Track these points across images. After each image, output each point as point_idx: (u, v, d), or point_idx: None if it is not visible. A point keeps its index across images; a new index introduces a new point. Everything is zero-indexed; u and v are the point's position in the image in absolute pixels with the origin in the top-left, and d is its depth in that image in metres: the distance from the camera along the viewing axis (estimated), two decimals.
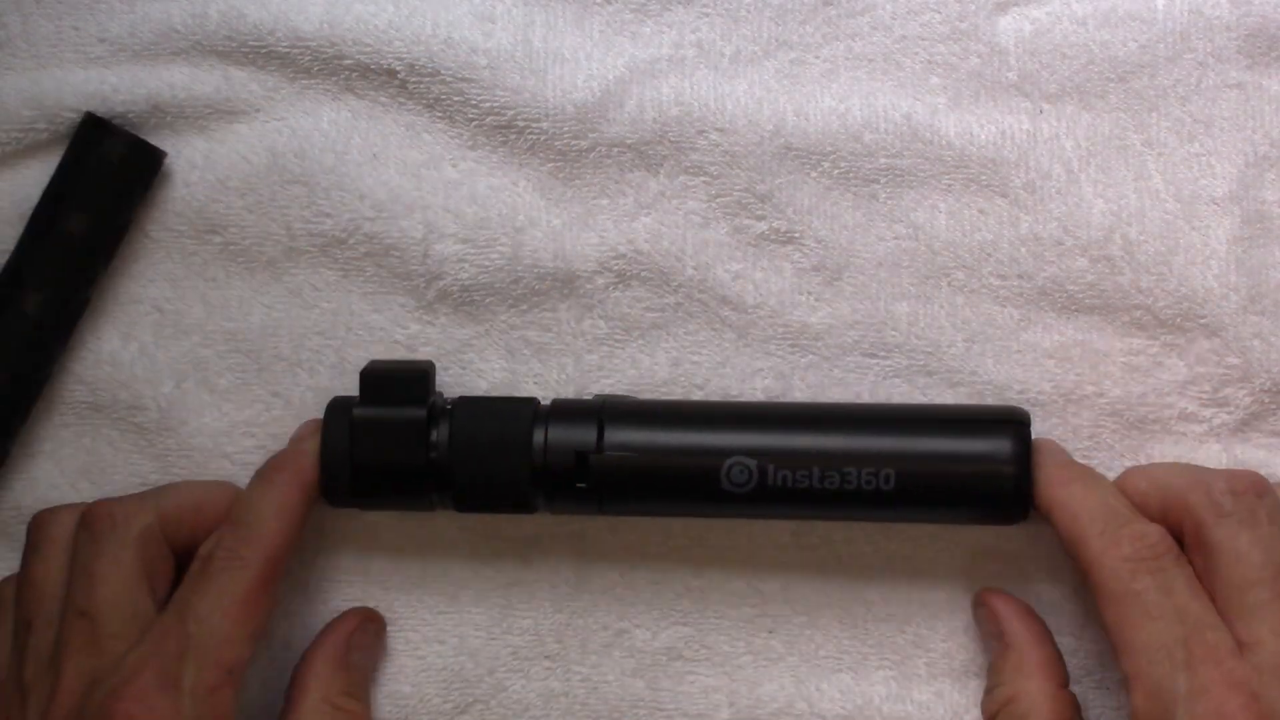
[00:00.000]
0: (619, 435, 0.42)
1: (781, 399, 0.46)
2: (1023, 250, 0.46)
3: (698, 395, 0.46)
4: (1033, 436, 0.42)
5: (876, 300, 0.46)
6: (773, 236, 0.46)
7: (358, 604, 0.46)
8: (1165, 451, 0.45)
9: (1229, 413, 0.45)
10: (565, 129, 0.47)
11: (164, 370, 0.47)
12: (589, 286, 0.47)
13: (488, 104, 0.47)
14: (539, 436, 0.42)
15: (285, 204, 0.47)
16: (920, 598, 0.45)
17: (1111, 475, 0.45)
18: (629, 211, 0.47)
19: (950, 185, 0.46)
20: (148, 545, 0.41)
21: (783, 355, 0.46)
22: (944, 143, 0.46)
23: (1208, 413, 0.45)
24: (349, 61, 0.47)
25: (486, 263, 0.46)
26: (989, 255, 0.46)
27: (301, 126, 0.47)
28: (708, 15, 0.48)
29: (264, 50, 0.47)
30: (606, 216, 0.47)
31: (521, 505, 0.43)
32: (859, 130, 0.46)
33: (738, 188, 0.46)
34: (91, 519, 0.42)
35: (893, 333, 0.46)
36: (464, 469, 0.42)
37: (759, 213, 0.46)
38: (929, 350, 0.46)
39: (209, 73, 0.47)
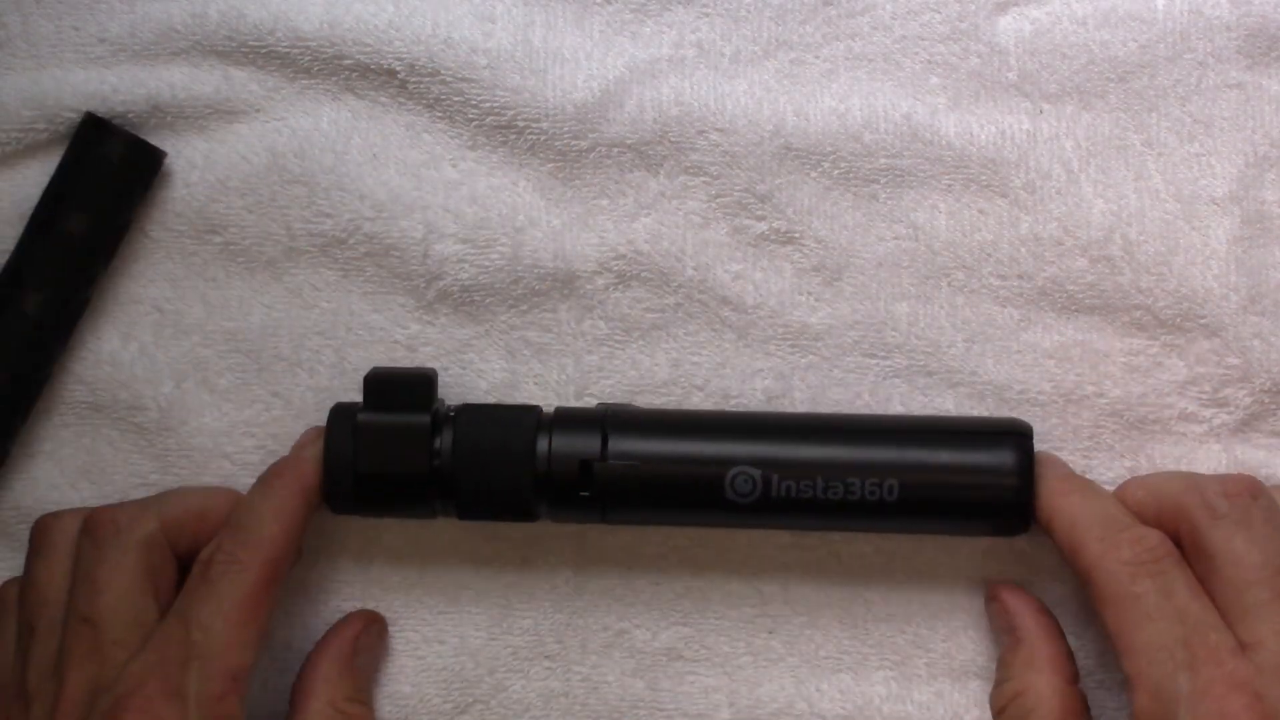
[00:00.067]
0: (623, 445, 0.42)
1: (781, 399, 0.46)
2: (1023, 250, 0.46)
3: (698, 396, 0.46)
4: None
5: (876, 300, 0.46)
6: (773, 236, 0.46)
7: (358, 605, 0.46)
8: (1165, 452, 0.45)
9: (1229, 413, 0.45)
10: (565, 129, 0.47)
11: (164, 370, 0.47)
12: (589, 287, 0.47)
13: (488, 104, 0.47)
14: (543, 445, 0.42)
15: (285, 204, 0.47)
16: (920, 598, 0.45)
17: (1112, 475, 0.45)
18: (629, 211, 0.47)
19: (950, 185, 0.46)
20: (150, 551, 0.41)
21: (783, 355, 0.46)
22: (944, 143, 0.46)
23: (1208, 413, 0.45)
24: (349, 61, 0.47)
25: (486, 263, 0.46)
26: (989, 255, 0.46)
27: (301, 126, 0.47)
28: (708, 15, 0.48)
29: (264, 50, 0.47)
30: (606, 216, 0.47)
31: (524, 513, 0.43)
32: (859, 130, 0.46)
33: (738, 188, 0.46)
34: (94, 525, 0.42)
35: (893, 333, 0.46)
36: (467, 476, 0.42)
37: (759, 213, 0.46)
38: (929, 350, 0.46)
39: (209, 73, 0.47)
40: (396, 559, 0.46)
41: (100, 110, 0.47)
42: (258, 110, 0.47)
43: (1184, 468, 0.45)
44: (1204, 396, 0.45)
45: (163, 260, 0.47)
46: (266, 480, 0.43)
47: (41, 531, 0.43)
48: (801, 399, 0.46)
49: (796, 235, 0.46)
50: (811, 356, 0.46)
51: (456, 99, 0.47)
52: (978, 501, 0.42)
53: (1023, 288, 0.46)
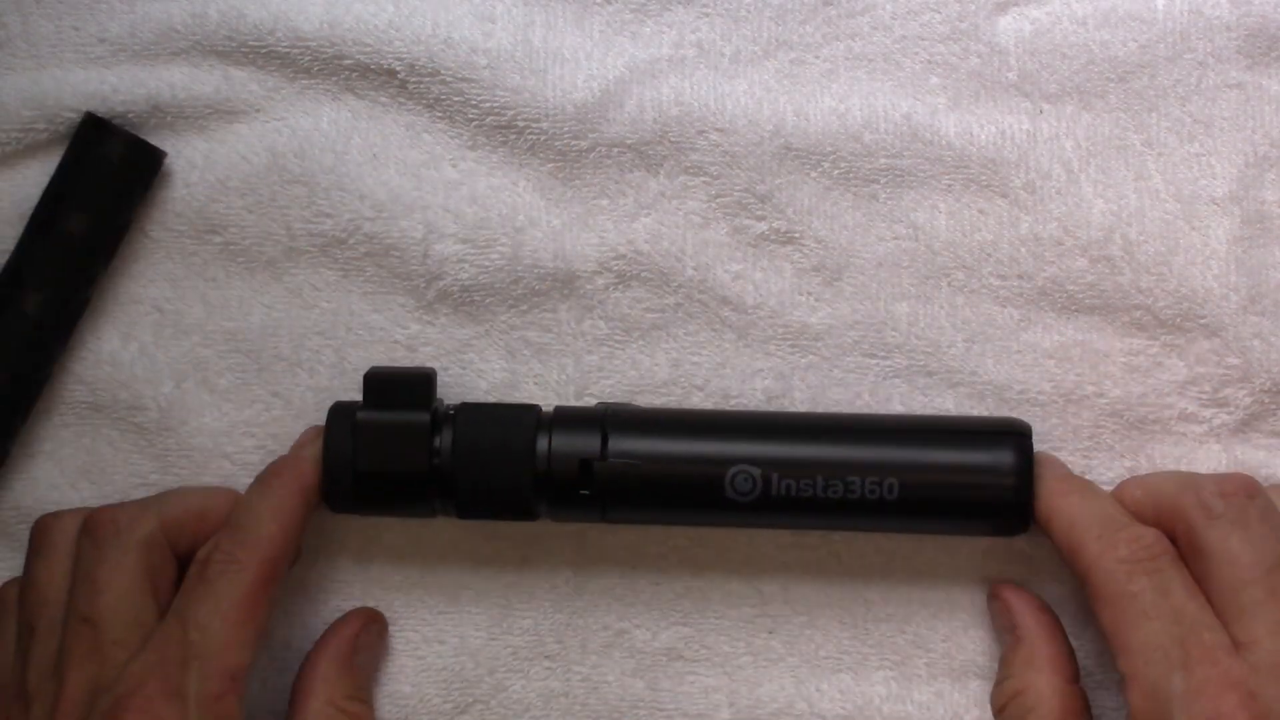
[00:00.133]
0: (622, 443, 0.42)
1: (781, 399, 0.46)
2: (1023, 250, 0.46)
3: (698, 396, 0.46)
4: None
5: (876, 300, 0.46)
6: (773, 236, 0.46)
7: (358, 604, 0.46)
8: (1165, 452, 0.45)
9: (1229, 413, 0.45)
10: (565, 129, 0.47)
11: (164, 370, 0.47)
12: (589, 287, 0.47)
13: (488, 104, 0.47)
14: (542, 444, 0.42)
15: (285, 204, 0.47)
16: (920, 598, 0.45)
17: (1112, 475, 0.45)
18: (629, 211, 0.47)
19: (950, 185, 0.46)
20: (150, 551, 0.41)
21: (783, 355, 0.46)
22: (944, 143, 0.46)
23: (1208, 413, 0.45)
24: (349, 61, 0.47)
25: (486, 263, 0.46)
26: (989, 255, 0.46)
27: (301, 126, 0.47)
28: (708, 15, 0.48)
29: (264, 50, 0.47)
30: (606, 216, 0.47)
31: (524, 512, 0.43)
32: (859, 130, 0.46)
33: (738, 188, 0.46)
34: (94, 525, 0.42)
35: (893, 333, 0.46)
36: (467, 475, 0.42)
37: (759, 213, 0.46)
38: (929, 350, 0.46)
39: (209, 73, 0.47)
40: (396, 558, 0.46)
41: (100, 110, 0.47)
42: (258, 110, 0.47)
43: (1184, 468, 0.45)
44: (1204, 396, 0.45)
45: (163, 260, 0.47)
46: (265, 479, 0.43)
47: (41, 532, 0.43)
48: (801, 399, 0.46)
49: (796, 235, 0.46)
50: (811, 356, 0.46)
51: (456, 99, 0.47)
52: (977, 501, 0.42)
53: (1023, 288, 0.46)
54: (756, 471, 0.41)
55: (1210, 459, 0.45)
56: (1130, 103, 0.46)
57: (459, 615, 0.46)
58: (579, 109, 0.47)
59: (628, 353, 0.47)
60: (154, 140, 0.47)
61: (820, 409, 0.46)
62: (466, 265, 0.46)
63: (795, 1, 0.47)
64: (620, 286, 0.47)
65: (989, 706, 0.44)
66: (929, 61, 0.47)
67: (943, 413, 0.46)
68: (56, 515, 0.43)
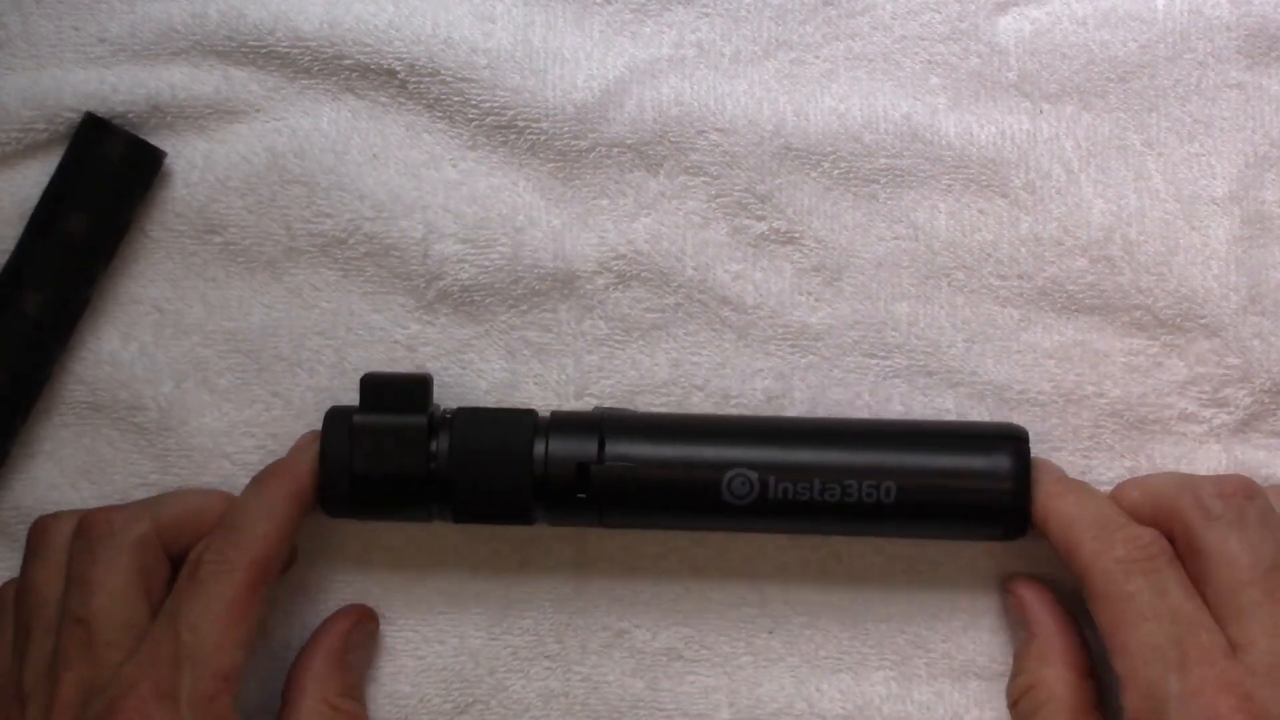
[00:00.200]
0: (619, 448, 0.42)
1: (781, 399, 0.46)
2: (1023, 250, 0.46)
3: (698, 396, 0.46)
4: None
5: (876, 300, 0.46)
6: (773, 236, 0.46)
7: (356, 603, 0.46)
8: (1165, 452, 0.45)
9: (1229, 413, 0.45)
10: (565, 129, 0.47)
11: (164, 370, 0.47)
12: (589, 287, 0.47)
13: (488, 104, 0.47)
14: (539, 448, 0.42)
15: (285, 204, 0.47)
16: (920, 598, 0.45)
17: (1112, 475, 0.45)
18: (629, 211, 0.47)
19: (950, 185, 0.46)
20: (144, 553, 0.41)
21: (783, 355, 0.46)
22: (944, 143, 0.46)
23: (1208, 413, 0.45)
24: (349, 61, 0.47)
25: (486, 263, 0.46)
26: (989, 255, 0.46)
27: (301, 126, 0.47)
28: (708, 15, 0.48)
29: (264, 50, 0.47)
30: (606, 216, 0.47)
31: (521, 517, 0.43)
32: (859, 130, 0.46)
33: (738, 188, 0.46)
34: (88, 526, 0.42)
35: (893, 333, 0.46)
36: (464, 478, 0.42)
37: (759, 213, 0.46)
38: (929, 350, 0.46)
39: (209, 73, 0.47)
40: (396, 559, 0.46)
41: (100, 110, 0.47)
42: (258, 110, 0.47)
43: (1184, 468, 0.45)
44: (1204, 396, 0.45)
45: (163, 260, 0.47)
46: (259, 481, 0.43)
47: (38, 533, 0.43)
48: (801, 399, 0.46)
49: (796, 235, 0.46)
50: (811, 356, 0.46)
51: (456, 99, 0.47)
52: (975, 505, 0.42)
53: (1023, 288, 0.46)
54: (754, 475, 0.41)
55: (1210, 459, 0.45)
56: (1130, 103, 0.46)
57: (459, 615, 0.46)
58: (579, 109, 0.47)
59: (628, 353, 0.47)
60: (154, 140, 0.47)
61: (820, 409, 0.46)
62: (466, 265, 0.46)
63: (795, 1, 0.47)
64: (620, 286, 0.47)
65: (989, 706, 0.44)
66: (929, 61, 0.47)
67: (942, 412, 0.46)
68: (54, 516, 0.43)
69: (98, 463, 0.47)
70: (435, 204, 0.47)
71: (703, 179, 0.47)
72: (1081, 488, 0.43)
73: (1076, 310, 0.46)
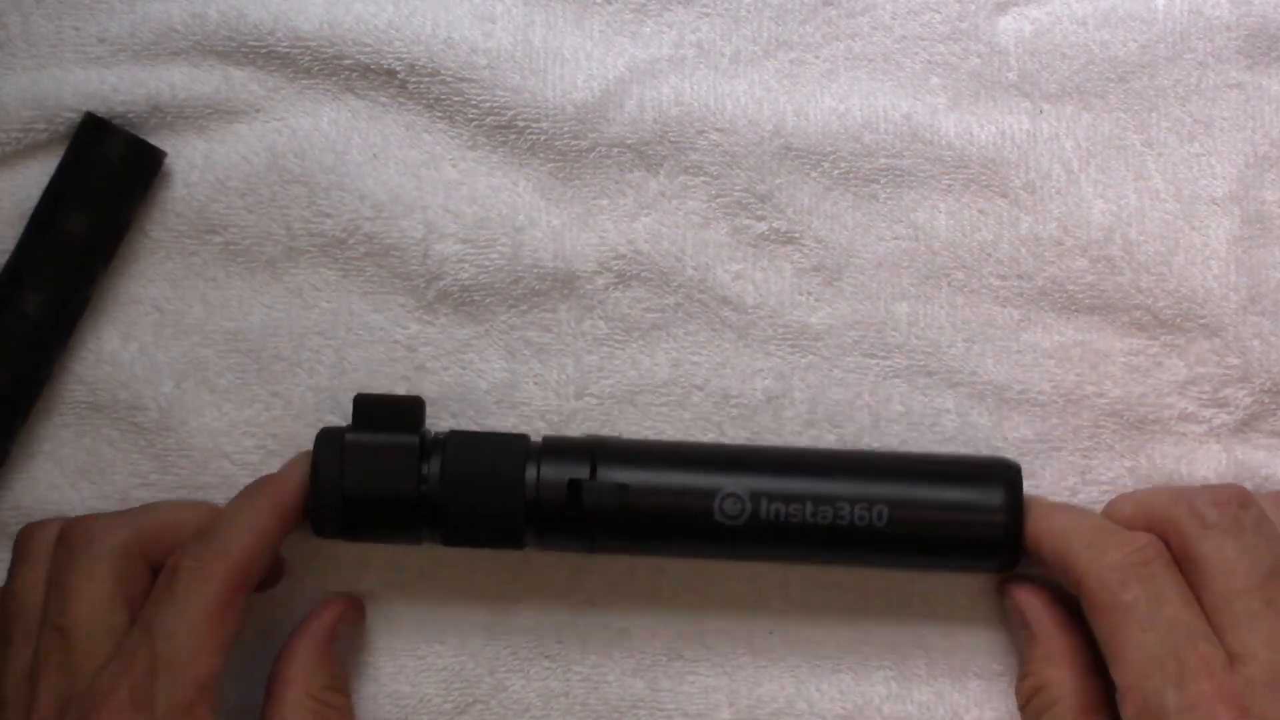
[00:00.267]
0: (612, 473, 0.42)
1: (781, 399, 0.46)
2: (1023, 250, 0.46)
3: (698, 396, 0.46)
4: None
5: (876, 300, 0.46)
6: (773, 236, 0.46)
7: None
8: (1165, 452, 0.45)
9: (1229, 413, 0.45)
10: (565, 129, 0.47)
11: (164, 370, 0.47)
12: (589, 287, 0.47)
13: (488, 104, 0.47)
14: (531, 473, 0.42)
15: (285, 204, 0.47)
16: (920, 597, 0.45)
17: (1111, 475, 0.45)
18: (629, 211, 0.47)
19: (950, 185, 0.46)
20: (124, 561, 0.41)
21: (783, 355, 0.46)
22: (944, 143, 0.46)
23: (1208, 413, 0.45)
24: (349, 61, 0.47)
25: (486, 263, 0.46)
26: (989, 255, 0.46)
27: (301, 126, 0.47)
28: (708, 15, 0.48)
29: (264, 50, 0.47)
30: (606, 216, 0.47)
31: (512, 541, 0.42)
32: (859, 130, 0.46)
33: (738, 188, 0.46)
34: (69, 534, 0.41)
35: (893, 333, 0.46)
36: (456, 501, 0.42)
37: (759, 213, 0.46)
38: (929, 350, 0.46)
39: (209, 73, 0.47)
40: (397, 558, 0.46)
41: (100, 110, 0.47)
42: (258, 110, 0.47)
43: (1184, 468, 0.45)
44: (1204, 396, 0.45)
45: (163, 260, 0.47)
46: (245, 492, 0.43)
47: (22, 540, 0.43)
48: (801, 399, 0.46)
49: (796, 235, 0.46)
50: (811, 356, 0.46)
51: (456, 99, 0.47)
52: (967, 538, 0.42)
53: (1023, 288, 0.46)
54: (745, 495, 0.41)
55: (1210, 459, 0.45)
56: (1130, 103, 0.46)
57: (459, 615, 0.46)
58: (579, 109, 0.47)
59: (628, 353, 0.47)
60: (154, 140, 0.47)
61: (820, 409, 0.46)
62: (466, 265, 0.46)
63: (795, 1, 0.47)
64: (620, 286, 0.47)
65: (989, 706, 0.44)
66: (929, 61, 0.47)
67: (942, 412, 0.46)
68: (38, 524, 0.43)
69: (98, 463, 0.47)
70: (435, 204, 0.47)
71: (703, 179, 0.47)
72: (1071, 506, 0.43)
73: (1076, 310, 0.46)
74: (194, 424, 0.46)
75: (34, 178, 0.47)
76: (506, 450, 0.42)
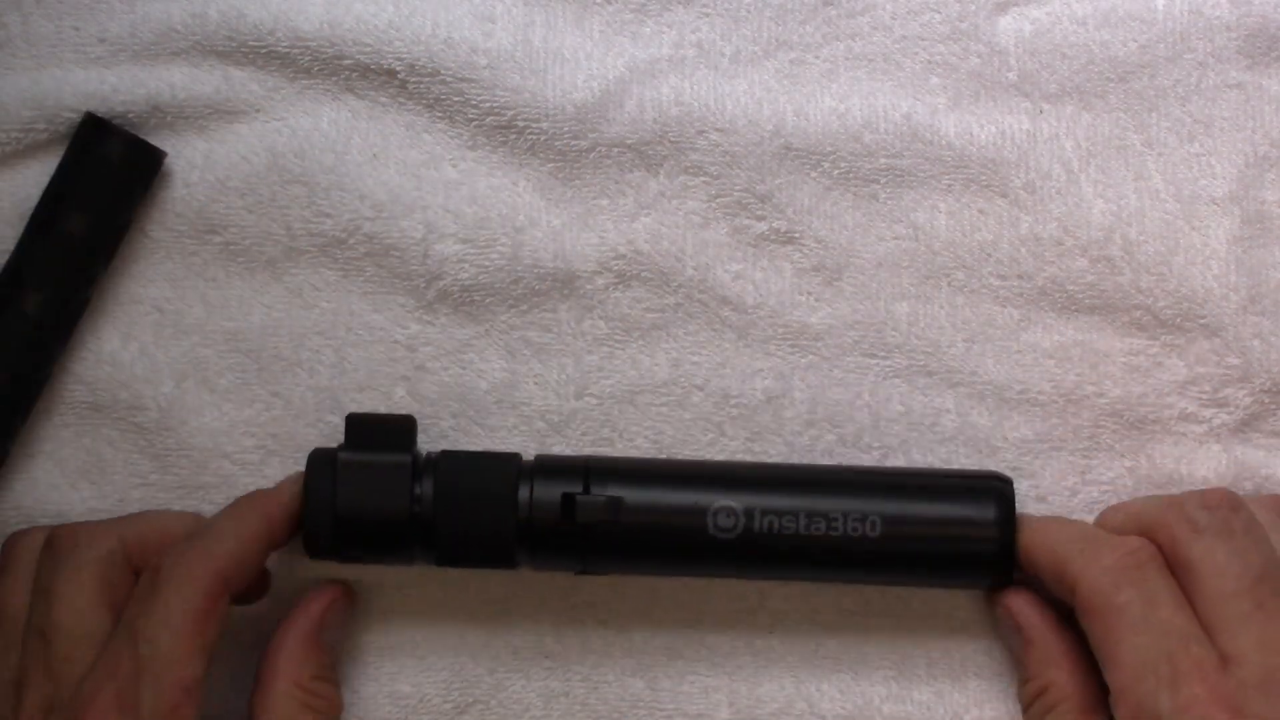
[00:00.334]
0: (605, 490, 0.42)
1: (781, 399, 0.46)
2: (1023, 250, 0.46)
3: (698, 395, 0.46)
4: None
5: (876, 300, 0.46)
6: (773, 236, 0.47)
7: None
8: (1165, 452, 0.45)
9: (1229, 413, 0.45)
10: (565, 129, 0.47)
11: (164, 370, 0.47)
12: (589, 287, 0.47)
13: (488, 104, 0.47)
14: (524, 492, 0.42)
15: (285, 204, 0.47)
16: (920, 597, 0.45)
17: (1111, 475, 0.45)
18: (629, 211, 0.47)
19: (950, 185, 0.46)
20: (109, 567, 0.41)
21: (783, 355, 0.46)
22: (944, 143, 0.46)
23: (1208, 413, 0.45)
24: (349, 61, 0.47)
25: (486, 263, 0.46)
26: (989, 255, 0.46)
27: (301, 126, 0.47)
28: (708, 15, 0.48)
29: (264, 50, 0.47)
30: (606, 216, 0.47)
31: (504, 561, 0.42)
32: (859, 130, 0.46)
33: (738, 188, 0.46)
34: (55, 540, 0.41)
35: (893, 333, 0.46)
36: (448, 521, 0.42)
37: (759, 213, 0.46)
38: (929, 350, 0.46)
39: (209, 73, 0.47)
40: None
41: (100, 110, 0.47)
42: (258, 110, 0.47)
43: (1184, 468, 0.45)
44: (1204, 396, 0.45)
45: (163, 260, 0.47)
46: (234, 503, 0.43)
47: (9, 547, 0.43)
48: (801, 399, 0.46)
49: (796, 235, 0.46)
50: (811, 356, 0.46)
51: (456, 99, 0.47)
52: (961, 554, 0.42)
53: (1023, 288, 0.46)
54: (739, 508, 0.41)
55: (1210, 459, 0.45)
56: (1130, 103, 0.46)
57: (459, 615, 0.46)
58: (579, 109, 0.47)
59: (628, 353, 0.47)
60: (154, 140, 0.47)
61: (820, 408, 0.46)
62: (466, 265, 0.46)
63: (795, 1, 0.47)
64: (620, 286, 0.47)
65: (989, 706, 0.44)
66: (929, 61, 0.47)
67: (942, 412, 0.46)
68: (25, 531, 0.43)
69: (98, 463, 0.47)
70: (435, 204, 0.47)
71: (703, 179, 0.47)
72: (1062, 518, 0.43)
73: (1076, 310, 0.46)
74: (194, 424, 0.46)
75: (34, 178, 0.47)
76: (498, 469, 0.42)
